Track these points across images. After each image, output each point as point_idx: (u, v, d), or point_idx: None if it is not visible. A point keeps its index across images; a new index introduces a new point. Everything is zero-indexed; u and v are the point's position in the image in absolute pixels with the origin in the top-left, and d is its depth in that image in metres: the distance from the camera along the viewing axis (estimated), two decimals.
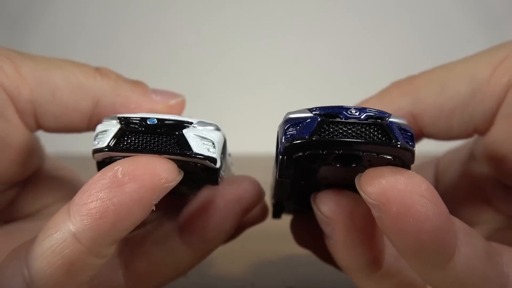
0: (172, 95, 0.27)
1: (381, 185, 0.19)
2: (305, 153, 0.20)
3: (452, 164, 0.30)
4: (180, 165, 0.21)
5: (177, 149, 0.21)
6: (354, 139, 0.20)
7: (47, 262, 0.19)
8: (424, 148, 0.30)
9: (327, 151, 0.20)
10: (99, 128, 0.21)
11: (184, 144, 0.21)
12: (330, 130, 0.20)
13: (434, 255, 0.19)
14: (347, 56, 0.72)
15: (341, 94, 0.68)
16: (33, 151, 0.26)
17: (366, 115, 0.20)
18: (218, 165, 0.21)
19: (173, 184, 0.20)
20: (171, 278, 0.26)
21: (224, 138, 0.23)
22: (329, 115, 0.20)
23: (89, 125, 0.26)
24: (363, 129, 0.20)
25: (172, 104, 0.27)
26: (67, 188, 0.29)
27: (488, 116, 0.24)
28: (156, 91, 0.27)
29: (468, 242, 0.20)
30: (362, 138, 0.20)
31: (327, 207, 0.23)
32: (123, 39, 0.73)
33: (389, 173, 0.19)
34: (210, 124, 0.22)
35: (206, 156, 0.21)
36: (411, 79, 0.27)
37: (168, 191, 0.20)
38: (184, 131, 0.21)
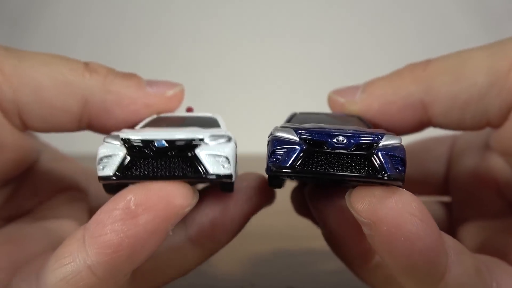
0: (169, 85, 0.26)
1: (371, 203, 0.19)
2: (291, 177, 0.20)
3: (468, 149, 0.29)
4: (195, 182, 0.20)
5: (191, 172, 0.20)
6: (339, 171, 0.19)
7: None
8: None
9: (312, 177, 0.20)
10: (102, 152, 0.20)
11: (198, 166, 0.20)
12: (314, 160, 0.19)
13: (426, 275, 0.19)
14: (347, 56, 0.72)
15: None
16: (24, 148, 0.25)
17: (354, 144, 0.19)
18: (233, 179, 0.21)
19: (189, 209, 0.20)
20: (174, 277, 0.25)
21: (235, 145, 0.22)
22: (315, 143, 0.20)
23: (80, 124, 0.25)
24: (349, 160, 0.19)
25: (169, 95, 0.26)
26: (66, 178, 0.28)
27: (504, 110, 0.23)
28: (151, 83, 0.25)
29: (459, 260, 0.20)
30: (347, 170, 0.19)
31: (320, 204, 0.23)
32: (124, 38, 0.73)
33: (379, 192, 0.19)
34: (222, 136, 0.21)
35: (222, 175, 0.20)
36: (425, 64, 0.25)
37: (184, 216, 0.20)
38: (197, 151, 0.20)
